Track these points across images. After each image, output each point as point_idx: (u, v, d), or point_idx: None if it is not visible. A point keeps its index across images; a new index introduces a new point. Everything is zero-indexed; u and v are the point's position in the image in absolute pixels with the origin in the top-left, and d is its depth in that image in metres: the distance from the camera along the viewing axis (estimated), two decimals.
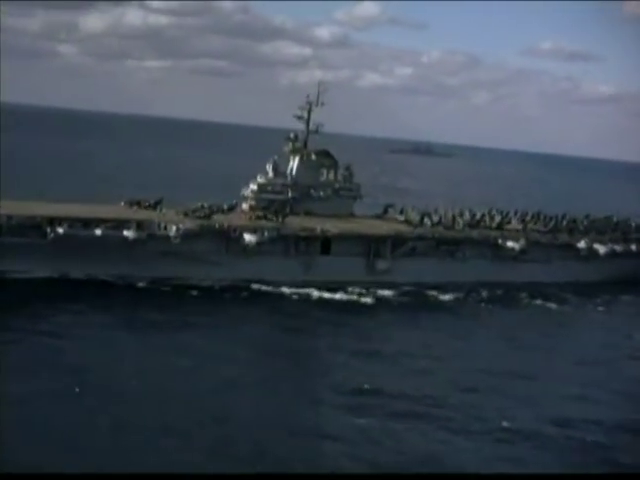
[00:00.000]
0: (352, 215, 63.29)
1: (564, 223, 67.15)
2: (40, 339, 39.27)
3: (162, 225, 51.12)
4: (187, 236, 51.00)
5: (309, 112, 61.46)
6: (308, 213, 60.42)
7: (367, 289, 54.62)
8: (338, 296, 52.96)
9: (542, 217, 67.53)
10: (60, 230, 48.26)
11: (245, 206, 59.68)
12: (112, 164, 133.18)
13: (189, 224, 51.59)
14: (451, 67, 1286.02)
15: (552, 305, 57.20)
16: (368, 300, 53.21)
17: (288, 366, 39.80)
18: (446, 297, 55.89)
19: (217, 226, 52.65)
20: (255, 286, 52.44)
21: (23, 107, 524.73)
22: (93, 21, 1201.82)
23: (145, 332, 42.35)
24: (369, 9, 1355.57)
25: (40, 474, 24.80)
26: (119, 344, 39.96)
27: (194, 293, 50.45)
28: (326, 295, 52.87)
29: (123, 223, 50.09)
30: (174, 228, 50.73)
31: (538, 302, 57.81)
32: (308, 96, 61.43)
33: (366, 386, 36.39)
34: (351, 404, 34.47)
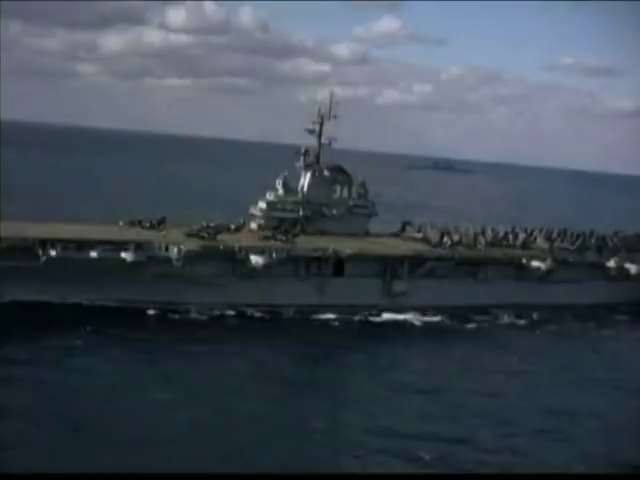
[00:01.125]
0: (367, 234, 59.96)
1: (592, 241, 63.45)
2: (42, 373, 36.06)
3: (163, 246, 47.85)
4: (190, 258, 47.76)
5: (321, 125, 58.18)
6: (321, 232, 57.14)
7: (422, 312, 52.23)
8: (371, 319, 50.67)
9: (569, 235, 63.82)
10: (53, 252, 45.10)
11: (254, 225, 56.42)
12: (127, 182, 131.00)
13: (192, 245, 48.34)
14: (471, 83, 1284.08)
15: (607, 331, 53.89)
16: (415, 323, 51.11)
17: (319, 404, 35.87)
18: (502, 321, 53.13)
19: (222, 247, 49.40)
20: (269, 310, 49.39)
21: (43, 126, 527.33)
22: (113, 40, 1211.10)
23: (153, 363, 39.01)
24: (388, 25, 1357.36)
25: (40, 474, 24.31)
26: (126, 377, 36.71)
27: (200, 318, 47.41)
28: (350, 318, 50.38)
29: (121, 244, 46.84)
30: (175, 249, 47.48)
31: (590, 324, 54.73)
32: (319, 109, 58.22)
33: (422, 428, 32.76)
34: (402, 450, 30.55)
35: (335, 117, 58.36)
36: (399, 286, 53.48)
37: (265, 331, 46.89)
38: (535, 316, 54.96)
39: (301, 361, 42.14)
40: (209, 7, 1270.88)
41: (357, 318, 50.43)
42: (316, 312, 49.95)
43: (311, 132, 58.11)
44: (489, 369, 42.87)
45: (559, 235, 63.43)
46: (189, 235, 50.43)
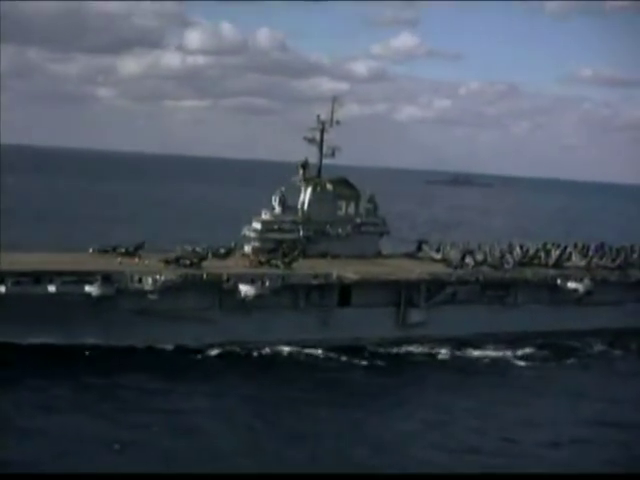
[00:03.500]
0: (379, 255, 52.85)
1: (635, 256, 55.97)
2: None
3: (135, 277, 40.82)
4: (168, 290, 40.76)
5: (322, 133, 51.11)
6: (324, 255, 50.09)
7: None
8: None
9: (608, 250, 56.35)
10: (1, 288, 38.22)
11: (247, 249, 49.36)
12: (133, 206, 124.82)
13: (169, 274, 41.29)
14: (490, 97, 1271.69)
15: None
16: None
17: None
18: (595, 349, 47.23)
19: (205, 276, 42.33)
20: (267, 350, 42.66)
21: (63, 150, 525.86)
22: (131, 64, 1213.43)
23: (130, 421, 32.16)
24: (406, 42, 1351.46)
25: (40, 474, 24.24)
26: (101, 441, 29.75)
27: (181, 360, 40.31)
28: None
29: (85, 276, 39.88)
30: (150, 280, 40.47)
31: None
32: (319, 116, 51.14)
33: None
34: None
35: (338, 123, 51.34)
36: (416, 315, 46.54)
37: (261, 374, 39.99)
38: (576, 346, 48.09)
39: (314, 412, 34.81)
40: (226, 28, 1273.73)
41: (369, 352, 43.69)
42: (319, 348, 43.01)
43: (310, 141, 51.05)
44: (558, 421, 35.49)
45: (597, 251, 56.00)
46: (167, 262, 43.39)
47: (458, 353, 45.05)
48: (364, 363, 42.21)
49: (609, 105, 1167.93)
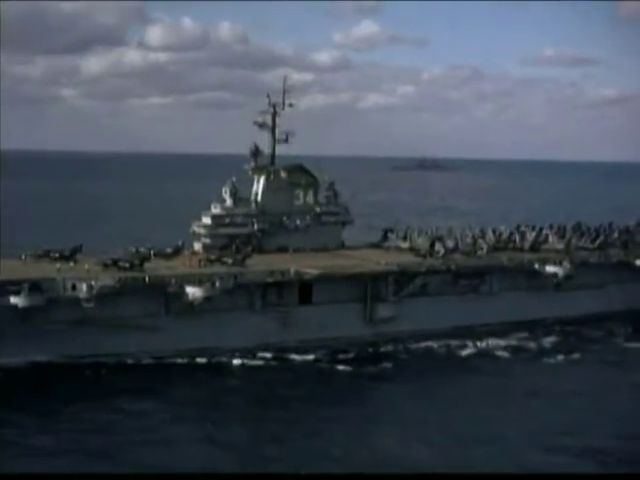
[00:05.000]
0: (342, 246, 48.96)
1: (615, 235, 52.54)
2: None
3: (69, 284, 36.50)
4: (106, 296, 36.53)
5: (274, 116, 46.98)
6: (282, 249, 46.15)
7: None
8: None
9: (586, 230, 52.81)
10: None
11: (197, 246, 45.21)
12: (107, 206, 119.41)
13: (107, 279, 37.01)
14: (454, 81, 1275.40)
15: None
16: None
17: None
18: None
19: (147, 279, 38.10)
20: (219, 355, 38.46)
21: (28, 153, 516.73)
22: (93, 63, 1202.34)
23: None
24: (367, 29, 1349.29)
25: (40, 474, 23.85)
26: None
27: (128, 374, 36.37)
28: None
29: (9, 286, 35.50)
30: (84, 287, 36.19)
31: None
32: (269, 96, 46.92)
33: None
34: None
35: (291, 106, 47.29)
36: (384, 310, 43.13)
37: (216, 385, 35.96)
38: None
39: (329, 430, 30.80)
40: (187, 23, 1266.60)
41: (342, 356, 39.80)
42: (281, 352, 39.21)
43: (261, 126, 46.89)
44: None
45: (574, 231, 52.43)
46: (106, 266, 39.08)
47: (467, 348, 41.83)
48: (372, 369, 38.29)
49: (572, 84, 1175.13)
